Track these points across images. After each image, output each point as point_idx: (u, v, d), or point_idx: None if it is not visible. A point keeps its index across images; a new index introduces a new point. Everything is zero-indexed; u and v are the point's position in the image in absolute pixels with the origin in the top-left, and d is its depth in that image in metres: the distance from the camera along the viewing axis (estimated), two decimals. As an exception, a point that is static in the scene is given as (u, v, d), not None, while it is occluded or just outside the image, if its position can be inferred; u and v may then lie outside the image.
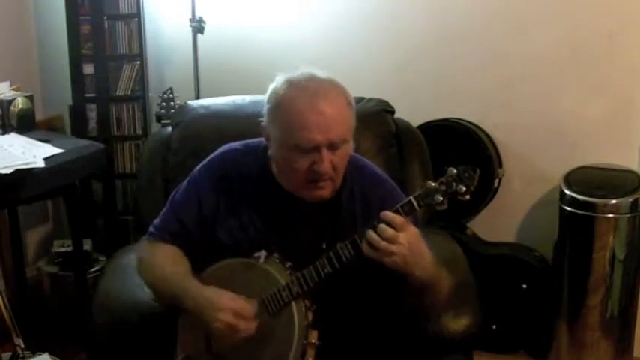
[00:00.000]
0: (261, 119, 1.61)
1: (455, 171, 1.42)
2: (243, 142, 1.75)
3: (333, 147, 1.53)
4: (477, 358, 1.98)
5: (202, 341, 1.60)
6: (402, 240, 1.44)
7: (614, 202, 2.51)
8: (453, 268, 1.96)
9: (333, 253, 1.49)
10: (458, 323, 1.81)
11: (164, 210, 1.76)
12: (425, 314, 1.66)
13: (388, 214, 1.45)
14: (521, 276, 2.77)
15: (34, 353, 2.26)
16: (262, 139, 1.66)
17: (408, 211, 1.45)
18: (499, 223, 2.91)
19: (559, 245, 2.66)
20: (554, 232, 2.66)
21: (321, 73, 1.58)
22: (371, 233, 1.45)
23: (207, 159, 1.75)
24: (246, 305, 1.53)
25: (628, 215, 2.51)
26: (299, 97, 1.53)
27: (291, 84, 1.56)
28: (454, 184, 1.41)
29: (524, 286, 2.77)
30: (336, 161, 1.54)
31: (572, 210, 2.55)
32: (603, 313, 2.59)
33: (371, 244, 1.44)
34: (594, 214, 2.51)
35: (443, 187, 1.42)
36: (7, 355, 2.26)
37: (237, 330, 1.52)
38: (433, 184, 1.43)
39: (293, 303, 1.52)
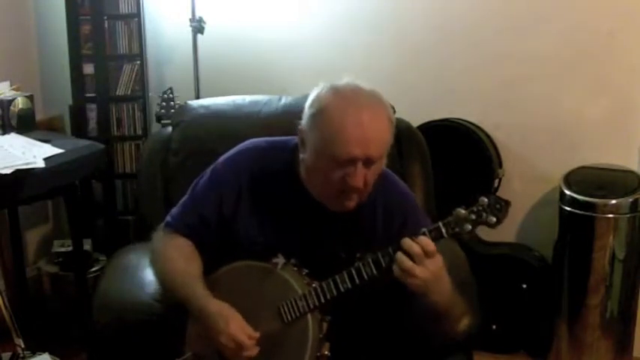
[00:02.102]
0: (299, 121, 1.58)
1: (486, 200, 1.41)
2: (269, 140, 1.72)
3: (369, 162, 1.50)
4: (477, 358, 1.98)
5: (212, 341, 1.59)
6: (429, 265, 1.42)
7: (614, 202, 2.51)
8: (453, 268, 1.97)
9: (354, 268, 1.48)
10: (458, 323, 1.81)
11: (184, 199, 1.73)
12: (437, 338, 1.65)
13: (424, 240, 1.42)
14: (521, 276, 2.77)
15: (34, 353, 2.27)
16: (289, 138, 1.65)
17: (435, 237, 1.44)
18: (499, 223, 2.91)
19: (559, 245, 2.66)
20: (554, 232, 2.66)
21: (367, 86, 1.56)
22: (400, 254, 1.43)
23: (232, 152, 1.72)
24: (250, 336, 1.52)
25: (628, 215, 2.51)
26: (343, 107, 1.50)
27: (337, 93, 1.53)
28: (484, 214, 1.41)
29: (524, 286, 2.77)
30: (369, 177, 1.52)
31: (572, 210, 2.55)
32: (603, 313, 2.59)
33: (398, 264, 1.43)
34: (594, 214, 2.51)
35: (473, 217, 1.41)
36: (7, 355, 2.27)
37: (238, 357, 1.51)
38: (463, 212, 1.42)
39: (309, 314, 1.51)
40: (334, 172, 1.51)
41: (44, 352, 2.27)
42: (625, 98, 2.70)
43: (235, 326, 1.52)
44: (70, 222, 2.81)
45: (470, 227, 1.41)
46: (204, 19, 2.93)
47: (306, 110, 1.56)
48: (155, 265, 1.71)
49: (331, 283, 1.50)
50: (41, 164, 2.36)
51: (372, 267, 1.47)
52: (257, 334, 1.53)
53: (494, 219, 1.40)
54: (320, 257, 1.56)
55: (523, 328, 2.81)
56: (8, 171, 2.24)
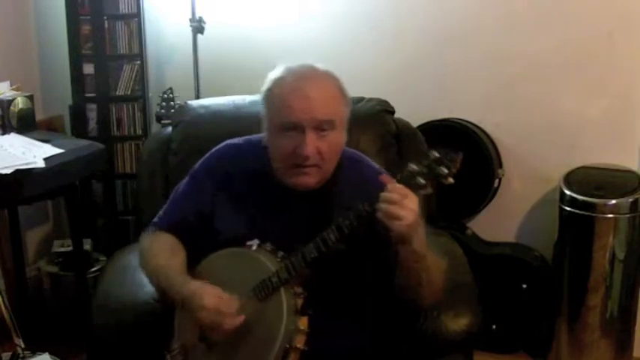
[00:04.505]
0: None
1: (437, 154, 1.42)
2: (245, 138, 1.79)
3: (318, 128, 1.55)
4: (477, 358, 1.98)
5: (196, 330, 1.61)
6: (409, 204, 1.43)
7: (614, 202, 2.51)
8: (453, 268, 1.97)
9: (319, 238, 1.51)
10: (458, 323, 1.81)
11: (167, 202, 1.81)
12: (420, 303, 1.65)
13: (395, 186, 1.44)
14: (521, 276, 2.77)
15: (34, 353, 2.27)
16: (264, 135, 1.68)
17: None
18: (499, 223, 2.91)
19: (559, 245, 2.66)
20: (554, 232, 2.66)
21: (320, 65, 1.62)
22: (381, 203, 1.44)
23: (207, 154, 1.79)
24: (228, 302, 1.54)
25: (628, 215, 2.51)
26: (288, 80, 1.59)
27: (284, 70, 1.62)
28: (435, 166, 1.41)
29: (524, 286, 2.77)
30: (322, 148, 1.56)
31: (572, 210, 2.55)
32: (603, 313, 2.59)
33: (383, 211, 1.44)
34: (594, 214, 2.51)
35: (424, 170, 1.43)
36: (7, 355, 2.27)
37: (220, 326, 1.53)
38: (415, 167, 1.43)
39: (282, 289, 1.53)
40: (286, 143, 1.56)
41: (44, 352, 2.27)
42: (625, 98, 2.70)
43: (212, 296, 1.54)
44: (70, 222, 2.81)
45: (423, 181, 1.42)
46: (204, 19, 2.93)
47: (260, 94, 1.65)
48: (143, 265, 1.76)
49: (299, 255, 1.52)
50: (41, 164, 2.36)
51: (335, 233, 1.49)
52: (236, 301, 1.54)
53: (445, 170, 1.41)
54: (296, 242, 1.57)
55: (523, 328, 2.81)
56: (8, 171, 2.24)
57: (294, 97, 1.55)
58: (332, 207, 1.62)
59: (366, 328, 1.70)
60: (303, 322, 1.52)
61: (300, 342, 1.51)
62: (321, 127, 1.55)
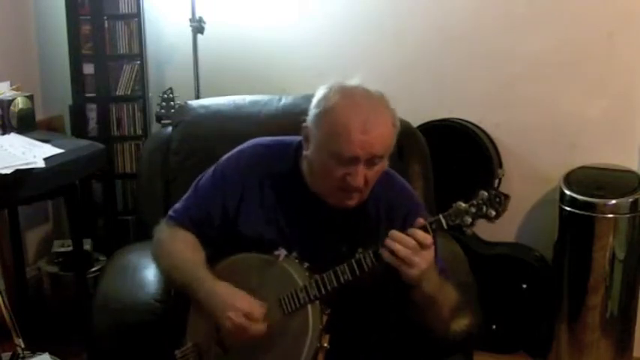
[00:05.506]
0: (304, 118, 1.60)
1: (486, 194, 1.44)
2: (275, 139, 1.76)
3: (370, 162, 1.53)
4: (477, 358, 1.98)
5: (212, 331, 1.61)
6: (426, 255, 1.45)
7: (614, 202, 2.51)
8: (454, 268, 1.97)
9: (355, 260, 1.50)
10: (458, 323, 1.81)
11: (187, 195, 1.76)
12: (429, 326, 1.65)
13: (420, 233, 1.45)
14: (521, 276, 2.77)
15: (34, 353, 2.26)
16: (294, 138, 1.67)
17: (435, 229, 1.47)
18: (499, 223, 2.87)
19: (559, 245, 2.66)
20: (554, 232, 2.66)
21: (374, 89, 1.60)
22: (396, 244, 1.45)
23: (236, 149, 1.75)
24: (257, 307, 1.54)
25: (628, 215, 2.51)
26: (349, 109, 1.53)
27: (344, 94, 1.56)
28: (484, 207, 1.43)
29: (524, 286, 2.77)
30: (369, 176, 1.55)
31: (572, 210, 2.55)
32: (603, 313, 2.59)
33: (393, 252, 1.45)
34: (594, 214, 2.51)
35: (473, 210, 1.44)
36: (7, 355, 2.26)
37: (246, 331, 1.52)
38: (463, 205, 1.44)
39: (309, 305, 1.52)
40: (336, 169, 1.53)
41: (44, 352, 2.27)
42: (625, 98, 2.70)
43: (242, 300, 1.54)
44: (70, 222, 2.81)
45: (470, 220, 1.44)
46: (204, 19, 2.93)
47: (313, 108, 1.58)
48: (160, 258, 1.73)
49: (332, 274, 1.51)
50: (41, 164, 2.35)
51: (372, 258, 1.49)
52: (264, 307, 1.54)
53: (493, 212, 1.43)
54: (322, 252, 1.58)
55: (523, 328, 2.81)
56: (8, 171, 2.24)
57: (355, 130, 1.50)
58: (361, 223, 1.63)
59: (390, 345, 1.70)
60: (325, 340, 1.52)
61: (321, 359, 1.52)
62: (374, 160, 1.54)
